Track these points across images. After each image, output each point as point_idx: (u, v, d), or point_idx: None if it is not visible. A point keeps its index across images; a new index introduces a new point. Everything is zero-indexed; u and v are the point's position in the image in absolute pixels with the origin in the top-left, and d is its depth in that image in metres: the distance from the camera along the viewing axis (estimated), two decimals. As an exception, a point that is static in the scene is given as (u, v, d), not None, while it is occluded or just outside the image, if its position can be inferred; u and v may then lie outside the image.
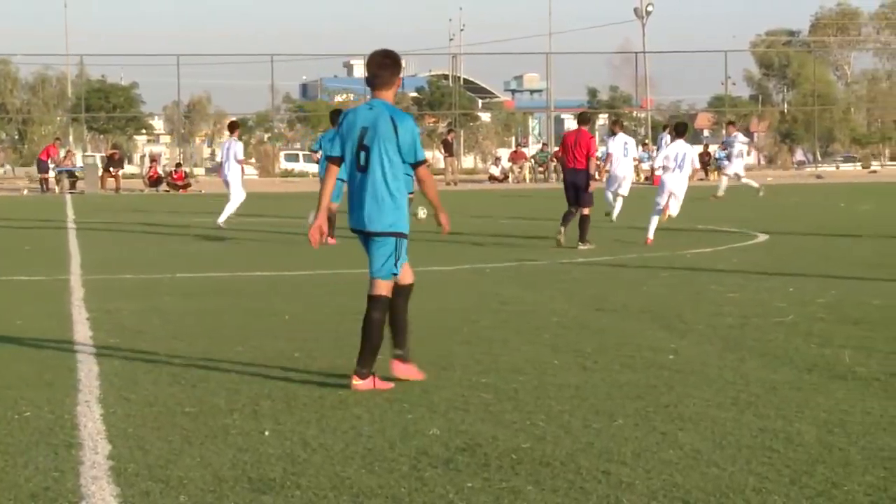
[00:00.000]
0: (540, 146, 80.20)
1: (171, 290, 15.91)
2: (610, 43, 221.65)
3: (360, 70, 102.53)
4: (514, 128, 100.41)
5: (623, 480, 6.56)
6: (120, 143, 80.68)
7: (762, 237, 23.78)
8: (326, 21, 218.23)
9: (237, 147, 28.04)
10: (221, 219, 27.30)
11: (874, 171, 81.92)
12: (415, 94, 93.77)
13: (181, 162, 72.28)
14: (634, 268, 18.34)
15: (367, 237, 9.12)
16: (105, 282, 17.02)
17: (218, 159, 48.96)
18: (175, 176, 59.82)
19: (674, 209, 23.29)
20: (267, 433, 7.71)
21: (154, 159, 68.09)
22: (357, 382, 8.95)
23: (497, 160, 74.48)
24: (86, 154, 65.90)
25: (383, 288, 9.14)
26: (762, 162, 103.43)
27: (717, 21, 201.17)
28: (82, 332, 12.06)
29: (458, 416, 8.14)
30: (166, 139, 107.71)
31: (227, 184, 28.02)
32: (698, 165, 25.81)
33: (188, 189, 58.49)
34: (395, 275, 9.17)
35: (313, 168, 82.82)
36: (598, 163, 24.69)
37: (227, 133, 35.54)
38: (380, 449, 7.29)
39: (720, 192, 38.07)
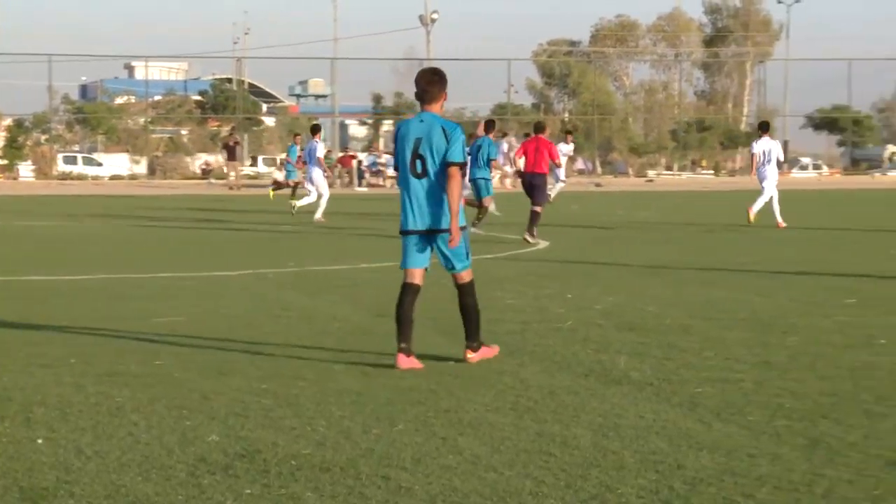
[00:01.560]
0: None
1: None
2: (395, 49, 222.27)
3: (141, 72, 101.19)
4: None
5: (402, 485, 6.58)
6: None
7: (543, 244, 24.10)
8: (107, 21, 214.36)
9: (318, 147, 33.85)
10: (318, 215, 32.21)
11: (650, 181, 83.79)
12: (198, 98, 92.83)
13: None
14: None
15: (434, 236, 10.33)
16: None
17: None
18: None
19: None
20: (40, 441, 7.54)
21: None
22: (471, 355, 10.30)
23: (281, 165, 74.11)
24: None
25: (466, 276, 10.58)
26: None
27: (500, 30, 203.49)
28: None
29: (237, 423, 8.07)
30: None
31: (311, 181, 33.60)
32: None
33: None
34: (467, 265, 10.54)
35: (93, 171, 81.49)
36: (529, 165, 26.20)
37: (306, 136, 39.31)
38: (157, 456, 7.19)
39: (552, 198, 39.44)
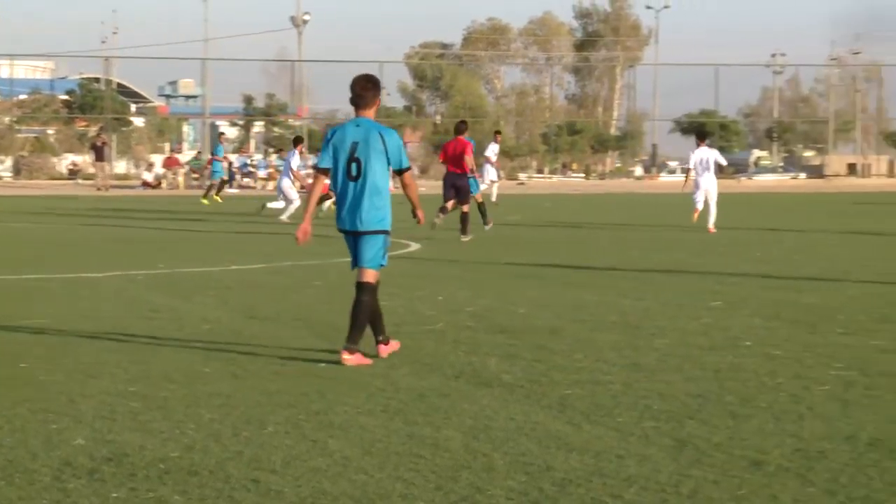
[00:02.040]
0: (195, 153, 79.48)
1: None
2: (267, 50, 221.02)
3: (5, 70, 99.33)
4: (168, 133, 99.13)
5: (272, 488, 6.55)
6: None
7: (414, 246, 24.13)
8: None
9: (295, 157, 36.51)
10: (284, 216, 33.47)
11: (522, 184, 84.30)
12: (65, 97, 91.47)
13: None
14: (288, 276, 18.35)
15: (358, 236, 10.68)
16: None
17: None
18: None
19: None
20: None
21: None
22: (347, 357, 10.32)
23: (150, 166, 73.42)
24: None
25: (372, 276, 10.79)
26: (416, 172, 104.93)
27: (372, 31, 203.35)
28: None
29: (104, 426, 7.98)
30: None
31: (279, 189, 35.90)
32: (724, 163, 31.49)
33: None
34: (383, 265, 10.88)
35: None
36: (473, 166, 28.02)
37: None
38: (21, 460, 7.07)
39: (493, 198, 41.89)
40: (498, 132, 47.68)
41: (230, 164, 54.53)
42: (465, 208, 26.52)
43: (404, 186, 10.91)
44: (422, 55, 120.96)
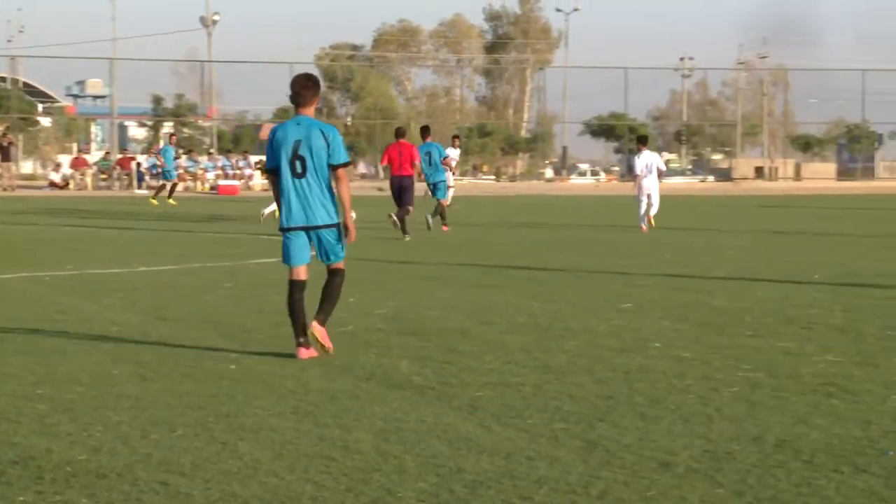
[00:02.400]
0: (103, 153, 78.74)
1: None
2: (176, 51, 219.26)
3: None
4: (75, 134, 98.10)
5: (181, 491, 6.50)
6: None
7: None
8: None
9: None
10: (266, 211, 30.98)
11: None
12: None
13: None
14: (198, 277, 18.24)
15: (313, 231, 10.87)
16: None
17: None
18: None
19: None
20: None
21: None
22: (317, 327, 10.75)
23: (58, 166, 72.63)
24: None
25: (337, 265, 11.05)
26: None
27: (283, 33, 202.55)
28: None
29: (10, 428, 7.89)
30: None
31: None
32: (664, 168, 32.91)
33: None
34: (342, 257, 11.07)
35: None
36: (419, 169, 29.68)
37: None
38: (-74, 464, 6.97)
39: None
40: (456, 136, 48.11)
41: (161, 166, 53.86)
42: (410, 207, 27.98)
43: (337, 180, 11.06)
44: (332, 56, 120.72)
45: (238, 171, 70.84)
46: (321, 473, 6.88)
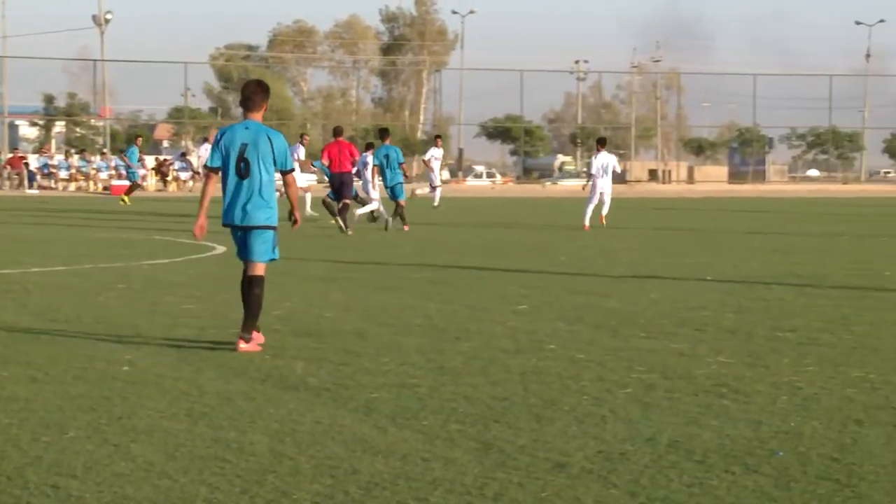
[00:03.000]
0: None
1: None
2: (68, 49, 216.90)
3: None
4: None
5: (73, 494, 6.43)
6: None
7: (220, 249, 23.91)
8: None
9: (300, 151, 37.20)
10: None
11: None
12: None
13: None
14: (90, 278, 18.04)
15: (246, 231, 11.37)
16: None
17: None
18: None
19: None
20: None
21: None
22: (243, 346, 11.10)
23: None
24: None
25: (261, 269, 11.51)
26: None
27: (177, 32, 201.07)
28: None
29: None
30: None
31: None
32: (619, 170, 34.45)
33: None
34: (275, 259, 11.60)
35: None
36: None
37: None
38: None
39: (436, 203, 44.21)
40: (438, 136, 48.33)
41: (128, 166, 52.77)
42: (347, 201, 30.04)
43: (286, 185, 11.68)
44: (227, 56, 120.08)
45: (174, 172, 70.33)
46: (215, 475, 6.83)
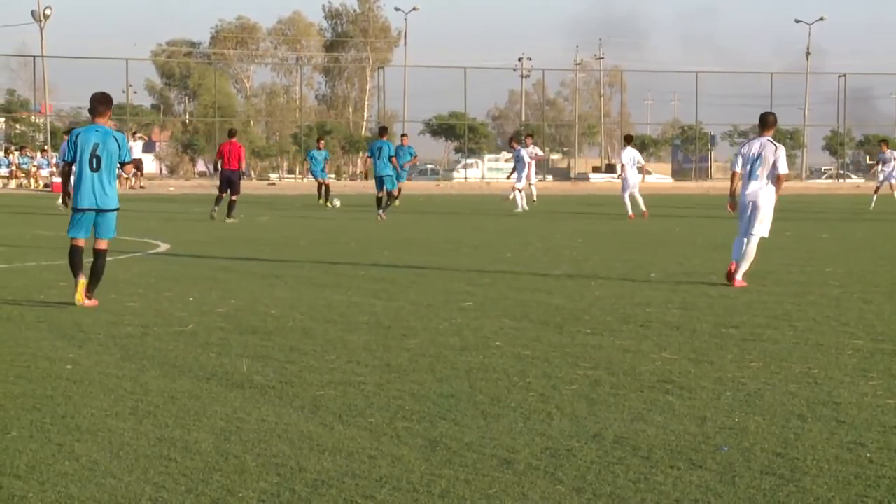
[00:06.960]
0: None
1: None
2: (7, 45, 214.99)
3: None
4: None
5: (16, 494, 6.38)
6: None
7: (164, 247, 23.82)
8: None
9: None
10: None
11: (273, 184, 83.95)
12: None
13: None
14: (32, 277, 17.91)
15: (100, 213, 14.23)
16: None
17: None
18: None
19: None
20: None
21: None
22: (88, 302, 13.97)
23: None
24: None
25: (106, 244, 14.38)
26: (164, 172, 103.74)
27: (118, 28, 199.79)
28: None
29: None
30: None
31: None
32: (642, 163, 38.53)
33: None
34: (114, 236, 14.51)
35: None
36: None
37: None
38: None
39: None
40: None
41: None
42: (234, 197, 33.97)
43: (126, 171, 15.65)
44: (169, 53, 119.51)
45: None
46: (161, 474, 6.80)
